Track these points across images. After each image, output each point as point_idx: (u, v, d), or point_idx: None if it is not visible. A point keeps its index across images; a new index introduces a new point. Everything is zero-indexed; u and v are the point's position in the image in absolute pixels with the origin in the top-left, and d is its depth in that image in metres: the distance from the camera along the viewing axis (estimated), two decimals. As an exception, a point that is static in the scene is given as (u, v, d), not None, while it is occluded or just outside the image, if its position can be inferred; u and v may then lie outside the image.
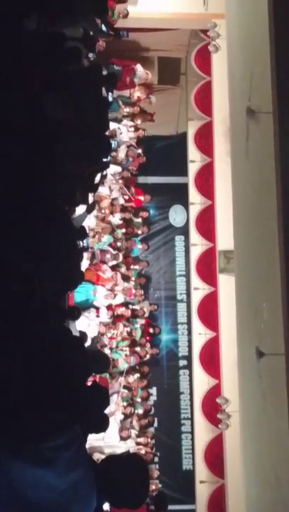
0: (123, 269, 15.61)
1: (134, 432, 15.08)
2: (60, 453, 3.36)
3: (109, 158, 11.98)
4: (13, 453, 3.26)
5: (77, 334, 9.93)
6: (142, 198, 16.78)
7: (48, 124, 5.91)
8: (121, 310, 15.27)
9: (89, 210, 11.31)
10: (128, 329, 15.40)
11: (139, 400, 15.69)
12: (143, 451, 14.76)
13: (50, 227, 5.90)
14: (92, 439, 12.08)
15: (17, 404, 3.61)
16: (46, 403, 3.74)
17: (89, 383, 6.25)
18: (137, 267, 16.53)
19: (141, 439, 15.27)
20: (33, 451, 3.29)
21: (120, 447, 13.83)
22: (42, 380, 3.89)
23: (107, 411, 5.88)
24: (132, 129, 16.13)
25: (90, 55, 11.58)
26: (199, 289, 16.76)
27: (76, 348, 5.44)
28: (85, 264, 12.88)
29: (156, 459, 16.26)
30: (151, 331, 16.56)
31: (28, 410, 3.59)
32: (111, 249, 15.13)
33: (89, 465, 3.51)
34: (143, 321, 16.28)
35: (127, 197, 16.10)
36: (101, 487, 3.49)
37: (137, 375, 15.55)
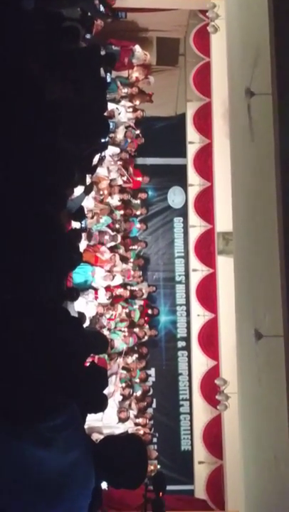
0: (121, 251, 15.61)
1: (132, 413, 15.14)
2: (58, 433, 3.37)
3: (107, 139, 11.94)
4: (11, 434, 3.27)
5: (76, 315, 9.94)
6: (140, 179, 16.76)
7: (47, 105, 5.88)
8: (119, 291, 15.29)
9: (87, 192, 11.29)
10: (126, 310, 15.42)
11: (137, 380, 15.73)
12: (141, 432, 14.82)
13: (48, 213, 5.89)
14: (91, 420, 12.14)
15: (15, 385, 3.62)
16: (44, 384, 3.75)
17: (87, 364, 6.27)
18: (135, 247, 16.54)
19: (139, 420, 15.33)
20: (31, 431, 3.30)
21: (119, 428, 13.90)
22: (40, 361, 3.89)
23: (105, 392, 5.89)
24: (131, 109, 16.08)
25: (87, 36, 11.54)
26: (198, 271, 16.76)
27: (74, 329, 5.45)
28: (83, 246, 12.89)
29: (154, 440, 16.30)
30: (149, 312, 16.57)
31: (26, 391, 3.60)
32: (109, 231, 15.13)
33: (87, 445, 3.52)
34: (141, 303, 16.30)
35: (125, 178, 16.07)
36: (99, 467, 3.50)
37: (136, 356, 15.59)
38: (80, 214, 10.07)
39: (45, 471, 3.25)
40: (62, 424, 3.40)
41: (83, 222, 10.99)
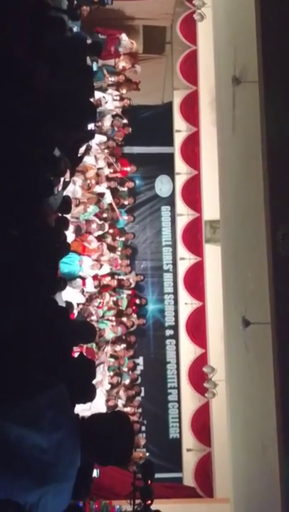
0: (109, 240, 15.61)
1: (120, 402, 15.17)
2: (43, 411, 3.37)
3: (94, 126, 11.89)
4: None
5: (63, 305, 9.92)
6: (127, 168, 16.74)
7: (35, 93, 5.86)
8: (107, 280, 15.30)
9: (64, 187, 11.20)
10: (114, 299, 15.44)
11: (125, 369, 15.77)
12: (130, 420, 14.84)
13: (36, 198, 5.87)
14: (79, 410, 12.14)
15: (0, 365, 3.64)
16: (30, 365, 3.76)
17: (76, 354, 6.27)
18: (123, 239, 16.55)
19: (128, 409, 15.36)
20: (16, 409, 3.31)
21: (107, 417, 13.90)
22: (27, 346, 3.90)
23: (93, 381, 5.90)
24: (118, 98, 16.05)
25: (74, 28, 11.47)
26: (185, 259, 16.78)
27: (62, 318, 5.45)
28: (70, 236, 12.87)
29: (143, 428, 16.37)
30: (137, 302, 16.59)
31: (11, 371, 3.61)
32: (97, 220, 15.11)
33: (74, 425, 3.53)
34: (129, 292, 16.31)
35: (112, 170, 16.07)
36: (86, 443, 3.51)
37: (124, 345, 15.61)
38: (66, 204, 9.98)
39: (28, 449, 3.25)
40: (47, 403, 3.41)
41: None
